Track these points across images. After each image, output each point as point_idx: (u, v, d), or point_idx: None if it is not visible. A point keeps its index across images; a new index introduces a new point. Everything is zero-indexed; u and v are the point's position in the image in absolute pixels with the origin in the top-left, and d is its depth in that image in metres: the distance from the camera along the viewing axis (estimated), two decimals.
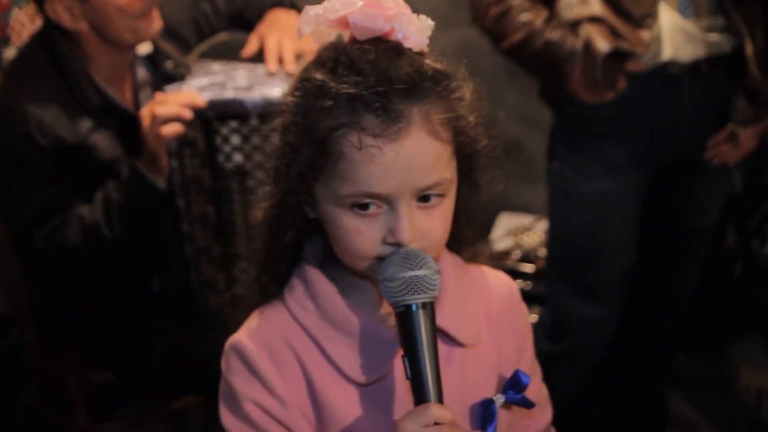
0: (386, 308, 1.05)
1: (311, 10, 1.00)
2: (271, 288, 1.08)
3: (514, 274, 2.72)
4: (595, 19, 1.95)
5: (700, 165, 2.13)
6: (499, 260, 2.80)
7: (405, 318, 0.96)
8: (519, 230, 2.98)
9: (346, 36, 1.01)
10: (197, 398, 2.25)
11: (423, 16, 1.00)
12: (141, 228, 1.88)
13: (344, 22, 0.99)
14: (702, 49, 1.99)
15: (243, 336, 1.05)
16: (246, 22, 2.12)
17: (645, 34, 1.93)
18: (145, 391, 2.29)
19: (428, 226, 0.98)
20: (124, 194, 1.83)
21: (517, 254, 2.85)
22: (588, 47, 1.94)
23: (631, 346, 2.45)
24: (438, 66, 0.99)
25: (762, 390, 2.75)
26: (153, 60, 1.99)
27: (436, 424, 0.93)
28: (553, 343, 2.24)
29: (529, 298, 2.58)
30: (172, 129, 1.77)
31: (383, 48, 0.97)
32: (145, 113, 1.81)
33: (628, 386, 2.52)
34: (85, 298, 2.00)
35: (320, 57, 1.00)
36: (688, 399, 2.72)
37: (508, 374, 1.09)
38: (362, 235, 0.98)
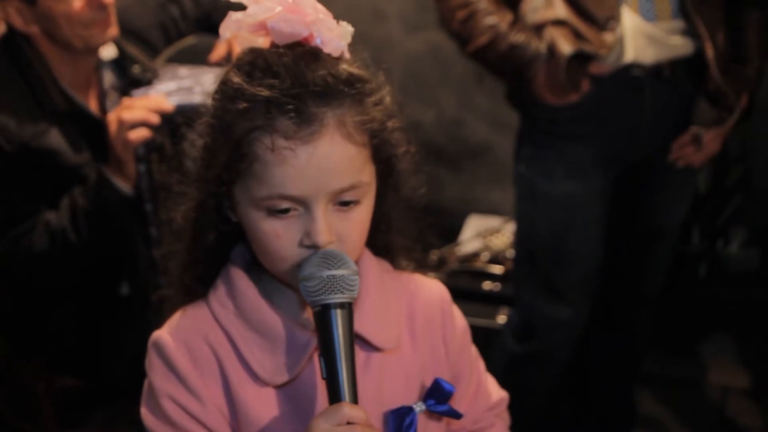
0: (308, 312, 1.06)
1: (233, 15, 1.01)
2: (197, 289, 1.08)
3: (483, 275, 2.74)
4: (558, 22, 1.96)
5: (664, 166, 2.15)
6: (467, 262, 2.82)
7: (322, 317, 0.97)
8: (488, 232, 3.00)
9: (266, 42, 1.02)
10: None
11: (344, 23, 1.01)
12: (107, 233, 1.87)
13: (263, 27, 1.00)
14: (664, 52, 2.02)
15: (164, 332, 1.06)
16: (214, 25, 2.11)
17: (608, 37, 1.95)
18: (113, 397, 2.28)
19: (345, 229, 0.99)
20: (90, 200, 1.82)
21: (485, 256, 2.86)
22: (552, 50, 1.96)
23: (599, 345, 2.47)
24: (353, 70, 1.00)
25: (727, 388, 2.79)
26: (120, 64, 1.98)
27: (349, 423, 0.94)
28: (521, 344, 2.26)
29: (497, 299, 2.64)
30: (139, 134, 1.76)
31: (300, 52, 0.98)
32: (112, 118, 1.80)
33: (596, 385, 2.54)
34: (52, 303, 1.99)
35: (239, 61, 1.01)
36: (654, 397, 2.75)
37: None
38: (280, 238, 0.98)
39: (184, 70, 1.90)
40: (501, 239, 2.97)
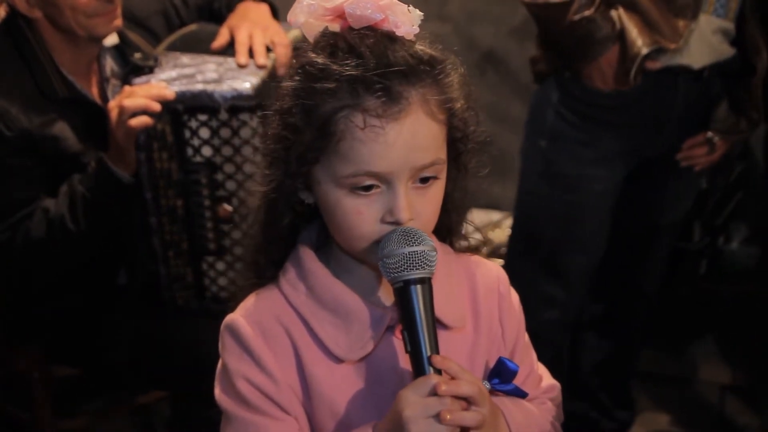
0: (381, 290, 1.09)
1: (304, 0, 1.04)
2: (267, 271, 1.11)
3: None
4: (631, 6, 1.91)
5: (674, 164, 2.15)
6: None
7: (403, 293, 1.00)
8: (487, 226, 2.99)
9: (335, 28, 1.04)
10: (163, 393, 2.24)
11: (413, 8, 1.04)
12: (106, 221, 1.86)
13: (339, 11, 1.03)
14: (713, 56, 2.00)
15: (237, 315, 1.09)
16: (216, 13, 2.10)
17: (680, 24, 1.92)
18: (111, 386, 2.27)
19: (422, 206, 1.03)
20: (89, 187, 1.81)
21: (485, 250, 2.86)
22: (622, 37, 1.92)
23: (597, 340, 2.47)
24: (430, 51, 1.04)
25: (726, 386, 2.79)
26: (121, 51, 1.97)
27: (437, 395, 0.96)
28: None
29: None
30: (140, 121, 1.76)
31: (378, 34, 1.02)
32: (113, 106, 1.79)
33: (593, 380, 2.54)
34: (49, 291, 1.98)
35: (317, 43, 1.04)
36: (652, 394, 2.75)
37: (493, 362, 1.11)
38: (361, 215, 1.01)
39: (185, 59, 1.89)
40: (500, 233, 2.96)
